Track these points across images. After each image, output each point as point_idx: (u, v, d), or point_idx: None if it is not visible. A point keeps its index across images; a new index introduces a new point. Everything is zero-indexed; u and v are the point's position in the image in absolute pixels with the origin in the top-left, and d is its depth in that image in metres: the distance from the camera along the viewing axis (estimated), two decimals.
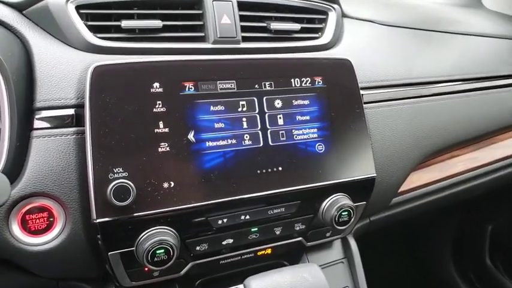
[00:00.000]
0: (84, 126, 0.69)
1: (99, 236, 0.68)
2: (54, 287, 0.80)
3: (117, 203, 0.65)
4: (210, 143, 0.76)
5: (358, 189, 0.88)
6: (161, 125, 0.72)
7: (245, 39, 0.86)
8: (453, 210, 1.88)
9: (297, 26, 0.92)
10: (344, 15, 1.06)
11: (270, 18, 0.91)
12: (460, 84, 1.13)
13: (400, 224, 1.88)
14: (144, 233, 0.70)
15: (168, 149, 0.72)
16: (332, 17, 0.98)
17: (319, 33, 0.97)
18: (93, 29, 0.76)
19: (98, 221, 0.66)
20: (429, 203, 1.17)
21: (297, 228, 0.86)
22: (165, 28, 0.80)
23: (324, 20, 0.98)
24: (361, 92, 0.91)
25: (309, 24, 0.96)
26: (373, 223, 1.08)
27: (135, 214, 0.68)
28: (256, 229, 0.81)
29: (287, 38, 0.92)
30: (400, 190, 1.06)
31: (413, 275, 2.06)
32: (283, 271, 0.70)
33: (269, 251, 0.88)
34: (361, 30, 1.07)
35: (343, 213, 0.84)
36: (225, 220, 0.77)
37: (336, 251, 1.00)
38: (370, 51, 1.02)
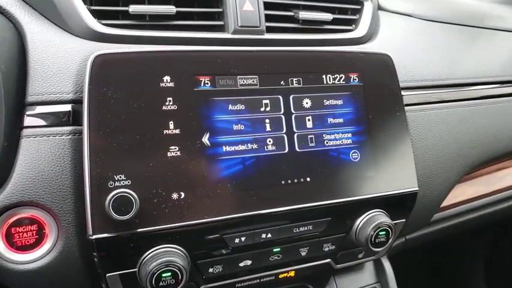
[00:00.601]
0: (81, 125, 0.59)
1: (95, 254, 0.57)
2: None
3: (117, 217, 0.55)
4: (228, 148, 0.65)
5: (397, 205, 0.76)
6: (171, 125, 0.62)
7: (269, 29, 0.76)
8: (488, 226, 1.72)
9: (328, 16, 0.81)
10: (379, 7, 0.95)
11: (297, 7, 0.80)
12: (511, 86, 1.00)
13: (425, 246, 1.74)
14: (148, 253, 0.59)
15: (178, 153, 0.61)
16: (368, 7, 0.87)
17: (353, 26, 0.86)
18: (97, 15, 0.67)
19: (95, 237, 0.56)
20: (473, 220, 1.03)
21: (326, 249, 0.75)
22: (179, 15, 0.70)
23: (358, 11, 0.87)
24: (401, 92, 0.79)
25: (341, 15, 0.85)
26: (408, 242, 0.96)
27: (138, 230, 0.58)
28: (278, 249, 0.70)
29: (317, 30, 0.81)
30: (442, 205, 0.93)
31: None
32: None
33: (292, 273, 0.76)
34: (399, 25, 0.95)
35: (380, 233, 0.72)
36: (243, 239, 0.66)
37: (368, 274, 0.88)
38: (410, 47, 0.90)
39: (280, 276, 0.75)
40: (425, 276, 1.87)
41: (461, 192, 0.97)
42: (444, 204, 0.94)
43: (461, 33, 1.02)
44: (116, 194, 0.55)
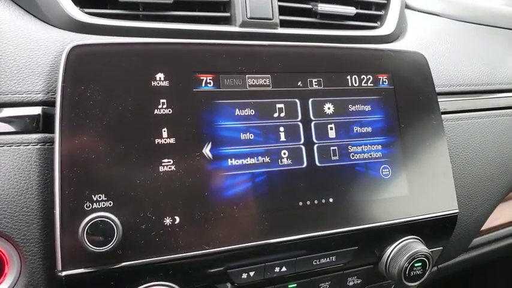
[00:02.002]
0: (53, 133, 0.47)
1: None
2: None
3: (94, 249, 0.44)
4: (234, 161, 0.53)
5: (435, 230, 0.65)
6: (165, 133, 0.50)
7: (284, 23, 0.65)
8: None
9: (351, 10, 0.70)
10: (406, 6, 0.84)
11: None
12: None
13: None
14: None
15: (173, 168, 0.50)
16: (395, 3, 0.76)
17: (378, 23, 0.75)
18: (80, 2, 0.56)
19: (64, 273, 0.44)
20: (510, 247, 0.90)
21: (351, 284, 0.62)
22: (177, 4, 0.59)
23: (384, 6, 0.76)
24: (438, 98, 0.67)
25: (364, 10, 0.74)
26: (441, 271, 0.83)
27: (120, 264, 0.46)
28: (294, 286, 0.58)
29: (337, 26, 0.70)
30: (481, 229, 0.80)
31: None
32: None
33: None
34: (430, 24, 0.84)
35: (415, 265, 0.60)
36: (251, 273, 0.54)
37: None
38: (444, 48, 0.79)
39: None
40: None
41: (501, 215, 0.85)
42: (484, 227, 0.81)
43: (499, 36, 0.91)
44: (93, 218, 0.44)
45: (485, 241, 0.83)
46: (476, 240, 0.82)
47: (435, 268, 0.83)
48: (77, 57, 0.48)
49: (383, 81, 0.64)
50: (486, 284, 1.60)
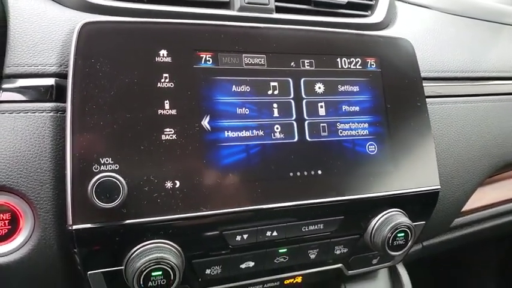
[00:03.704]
0: (65, 102, 0.52)
1: (75, 248, 0.50)
2: None
3: (101, 205, 0.48)
4: (230, 133, 0.58)
5: (417, 204, 0.69)
6: (167, 105, 0.55)
7: (279, 9, 0.69)
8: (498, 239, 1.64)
9: None
10: None
11: None
12: None
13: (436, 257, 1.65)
14: (136, 248, 0.52)
15: (174, 137, 0.54)
16: None
17: (369, 12, 0.79)
18: None
19: (75, 227, 0.49)
20: (494, 228, 0.95)
21: (338, 252, 0.67)
22: None
23: None
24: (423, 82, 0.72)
25: None
26: (426, 249, 0.88)
27: (125, 221, 0.51)
28: (285, 250, 0.62)
29: (330, 13, 0.75)
30: (462, 209, 0.85)
31: None
32: None
33: (299, 279, 0.68)
34: (419, 15, 0.89)
35: (398, 235, 0.64)
36: (245, 236, 0.58)
37: (382, 283, 0.79)
38: (431, 36, 0.83)
39: (286, 282, 0.67)
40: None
41: (484, 196, 0.89)
42: (465, 208, 0.86)
43: (485, 28, 0.95)
44: (101, 178, 0.48)
45: (467, 221, 0.87)
46: (459, 221, 0.86)
47: (420, 246, 0.87)
48: (88, 34, 0.53)
49: (371, 64, 0.68)
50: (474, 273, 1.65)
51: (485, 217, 0.90)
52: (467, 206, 0.86)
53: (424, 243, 0.87)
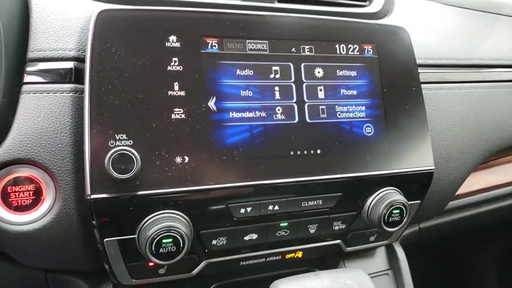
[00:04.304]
0: (83, 84, 0.56)
1: (93, 218, 0.54)
2: (42, 281, 0.67)
3: (117, 175, 0.52)
4: (235, 114, 0.62)
5: (412, 184, 0.72)
6: (176, 86, 0.59)
7: None
8: (500, 233, 1.66)
9: None
10: None
11: None
12: None
13: (437, 246, 1.68)
14: (148, 218, 0.56)
15: (183, 116, 0.59)
16: None
17: (367, 2, 0.83)
18: None
19: (93, 197, 0.53)
20: (489, 212, 0.98)
21: (336, 228, 0.71)
22: None
23: None
24: (418, 69, 0.76)
25: None
26: (422, 231, 0.91)
27: (138, 192, 0.55)
28: (286, 224, 0.67)
29: (330, 3, 0.79)
30: (457, 193, 0.88)
31: None
32: (321, 275, 0.55)
33: (300, 254, 0.72)
34: (417, 6, 0.92)
35: (394, 212, 0.68)
36: (248, 209, 0.62)
37: (379, 261, 0.83)
38: (428, 25, 0.87)
39: (287, 256, 0.71)
40: (432, 277, 1.80)
41: (478, 181, 0.93)
42: (460, 192, 0.89)
43: (481, 18, 0.99)
44: (117, 151, 0.53)
45: (462, 204, 0.91)
46: (454, 203, 0.90)
47: (417, 227, 0.91)
48: (104, 21, 0.57)
49: (368, 51, 0.72)
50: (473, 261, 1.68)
51: (480, 201, 0.93)
52: (463, 190, 0.90)
53: (421, 225, 0.91)
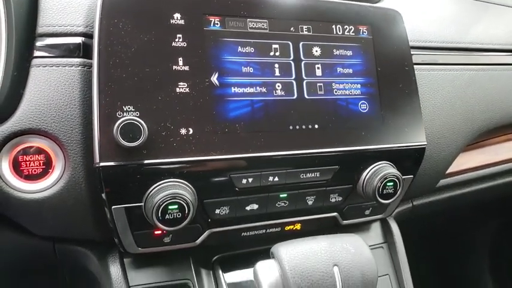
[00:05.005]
0: (91, 59, 0.59)
1: (102, 185, 0.57)
2: (50, 251, 0.69)
3: (125, 143, 0.55)
4: (236, 89, 0.65)
5: (405, 159, 0.76)
6: (180, 62, 0.62)
7: None
8: (492, 215, 1.71)
9: None
10: None
11: None
12: None
13: (433, 229, 1.72)
14: (155, 186, 0.59)
15: (187, 90, 0.61)
16: None
17: None
18: None
19: (102, 164, 0.56)
20: (479, 192, 1.02)
21: (333, 200, 0.74)
22: None
23: None
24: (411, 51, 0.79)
25: None
26: (416, 208, 0.95)
27: (145, 161, 0.58)
28: (285, 195, 0.69)
29: None
30: (448, 171, 0.92)
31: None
32: (319, 239, 0.58)
33: (298, 226, 0.75)
34: None
35: (388, 184, 0.71)
36: (250, 180, 0.65)
37: (374, 234, 0.86)
38: (420, 9, 0.90)
39: (286, 228, 0.74)
40: (425, 267, 1.85)
41: (469, 160, 0.96)
42: (451, 170, 0.93)
43: (472, 5, 1.02)
44: (125, 120, 0.55)
45: (453, 182, 0.94)
46: (445, 181, 0.93)
47: (410, 204, 0.95)
48: None
49: (363, 32, 0.75)
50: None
51: (470, 179, 0.97)
52: (454, 168, 0.93)
53: (414, 203, 0.94)
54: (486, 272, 1.78)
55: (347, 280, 0.54)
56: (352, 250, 0.57)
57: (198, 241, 0.68)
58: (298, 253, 0.55)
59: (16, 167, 0.58)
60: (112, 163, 0.56)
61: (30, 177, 0.58)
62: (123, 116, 0.57)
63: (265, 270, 0.55)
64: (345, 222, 0.78)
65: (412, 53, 0.80)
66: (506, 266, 1.73)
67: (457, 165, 0.93)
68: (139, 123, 0.56)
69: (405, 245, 0.87)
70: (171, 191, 0.57)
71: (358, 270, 0.55)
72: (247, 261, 0.74)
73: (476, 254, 1.79)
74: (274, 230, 0.73)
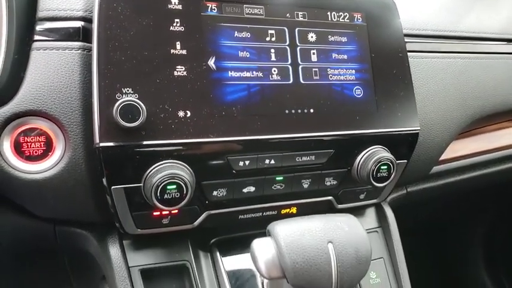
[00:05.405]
0: (91, 43, 0.60)
1: (102, 166, 0.58)
2: (50, 233, 0.71)
3: (125, 124, 0.56)
4: (233, 73, 0.66)
5: (399, 143, 0.77)
6: (178, 45, 0.63)
7: None
8: (485, 207, 1.73)
9: None
10: None
11: None
12: (511, 44, 1.01)
13: (427, 220, 1.74)
14: (153, 167, 0.60)
15: (185, 73, 0.62)
16: None
17: None
18: None
19: (101, 145, 0.57)
20: (472, 179, 1.04)
21: (328, 184, 0.75)
22: None
23: None
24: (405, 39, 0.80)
25: None
26: (410, 195, 0.96)
27: (144, 142, 0.59)
28: (281, 178, 0.71)
29: None
30: (442, 158, 0.94)
31: (441, 278, 1.90)
32: (314, 218, 0.59)
33: (294, 210, 0.77)
34: None
35: (382, 167, 0.73)
36: (247, 162, 0.67)
37: (369, 219, 0.88)
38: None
39: (283, 211, 0.76)
40: (419, 257, 1.87)
41: (463, 147, 0.98)
42: (444, 157, 0.94)
43: None
44: (124, 101, 0.56)
45: (447, 169, 0.96)
46: (439, 168, 0.95)
47: (404, 191, 0.96)
48: None
49: (357, 19, 0.76)
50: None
51: (463, 166, 0.98)
52: (447, 155, 0.95)
53: (409, 189, 0.96)
54: (479, 260, 1.81)
55: (341, 256, 0.55)
56: (347, 228, 0.58)
57: (196, 223, 0.69)
58: (293, 231, 0.56)
59: (17, 148, 0.59)
60: (111, 143, 0.57)
61: (31, 158, 0.59)
62: (122, 98, 0.58)
63: (262, 247, 0.56)
64: (340, 206, 0.80)
65: (406, 40, 0.81)
66: (501, 256, 1.76)
67: (450, 152, 0.95)
68: (138, 104, 0.57)
69: (400, 232, 0.89)
70: (170, 171, 0.59)
71: (352, 248, 0.57)
72: (244, 244, 0.76)
73: (471, 244, 1.82)
74: (270, 213, 0.75)
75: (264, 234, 0.66)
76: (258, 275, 0.75)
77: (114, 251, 0.68)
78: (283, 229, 0.56)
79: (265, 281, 0.74)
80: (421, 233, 1.77)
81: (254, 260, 0.56)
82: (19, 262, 0.84)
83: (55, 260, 0.83)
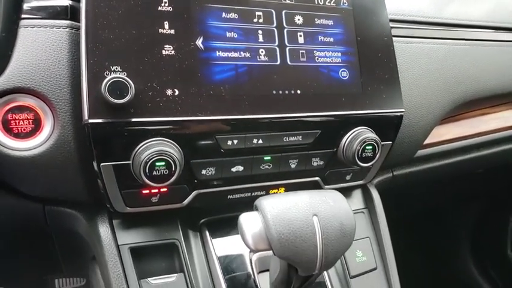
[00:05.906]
0: (79, 22, 0.60)
1: (90, 142, 0.59)
2: (40, 213, 0.71)
3: (113, 100, 0.57)
4: (221, 53, 0.67)
5: (384, 125, 0.79)
6: (166, 25, 0.63)
7: None
8: (473, 197, 1.77)
9: None
10: None
11: None
12: (494, 32, 1.04)
13: (414, 210, 1.77)
14: (142, 144, 0.61)
15: (173, 52, 0.63)
16: None
17: None
18: None
19: (90, 121, 0.57)
20: (456, 164, 1.06)
21: (315, 164, 0.77)
22: None
23: None
24: (390, 24, 0.82)
25: None
26: (396, 178, 0.98)
27: (132, 119, 0.60)
28: (269, 158, 0.72)
29: None
30: (427, 142, 0.96)
31: (428, 269, 1.93)
32: (300, 193, 0.61)
33: (282, 190, 0.78)
34: None
35: (367, 147, 0.74)
36: (235, 142, 0.68)
37: (356, 200, 0.90)
38: None
39: (271, 192, 0.77)
40: (407, 248, 1.90)
41: (447, 131, 1.00)
42: (429, 141, 0.97)
43: None
44: (112, 78, 0.57)
45: (431, 152, 0.98)
46: (424, 151, 0.97)
47: (391, 174, 0.98)
48: None
49: (343, 3, 0.78)
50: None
51: (448, 150, 1.00)
52: (432, 139, 0.97)
53: (395, 173, 0.98)
54: (466, 247, 1.85)
55: (326, 229, 0.57)
56: (332, 203, 0.60)
57: (185, 202, 0.70)
58: (279, 204, 0.58)
59: (5, 125, 0.59)
60: (100, 120, 0.58)
61: (20, 136, 0.60)
62: (110, 75, 0.59)
63: (249, 220, 0.57)
64: (327, 187, 0.81)
65: (391, 25, 0.83)
66: (488, 245, 1.80)
67: (434, 136, 0.97)
68: (127, 81, 0.58)
69: (386, 215, 0.91)
70: (158, 148, 0.60)
71: (337, 221, 0.58)
72: (233, 224, 0.77)
73: (459, 232, 1.86)
74: (259, 193, 0.76)
75: None
76: (246, 253, 0.76)
77: (104, 229, 0.69)
78: (269, 203, 0.58)
79: (254, 258, 0.75)
80: (409, 221, 1.80)
81: (241, 233, 0.57)
82: (8, 246, 0.85)
83: (45, 242, 0.83)
